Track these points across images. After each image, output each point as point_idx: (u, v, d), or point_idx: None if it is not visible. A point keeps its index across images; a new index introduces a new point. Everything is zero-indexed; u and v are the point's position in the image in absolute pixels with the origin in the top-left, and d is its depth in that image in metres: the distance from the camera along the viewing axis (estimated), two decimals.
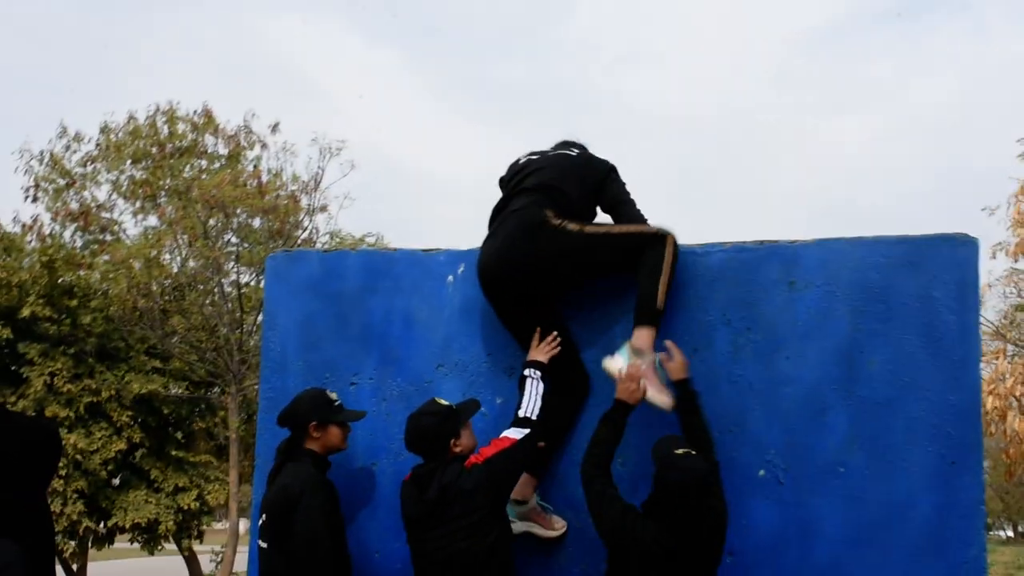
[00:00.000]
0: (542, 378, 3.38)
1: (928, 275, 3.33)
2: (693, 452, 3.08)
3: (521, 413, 3.33)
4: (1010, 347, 14.48)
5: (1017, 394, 12.26)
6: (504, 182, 3.74)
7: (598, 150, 3.77)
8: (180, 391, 16.88)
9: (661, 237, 3.40)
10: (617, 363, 3.36)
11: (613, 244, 3.47)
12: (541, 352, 3.44)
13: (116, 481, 16.03)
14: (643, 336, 3.34)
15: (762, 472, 3.39)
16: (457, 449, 3.26)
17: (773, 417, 3.40)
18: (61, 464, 13.52)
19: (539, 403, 3.34)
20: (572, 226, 3.45)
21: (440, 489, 3.16)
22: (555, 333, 3.48)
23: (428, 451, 3.27)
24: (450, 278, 3.72)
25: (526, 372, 3.39)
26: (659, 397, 3.34)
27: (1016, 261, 12.65)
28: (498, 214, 3.60)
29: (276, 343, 3.82)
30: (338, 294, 3.81)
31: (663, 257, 3.37)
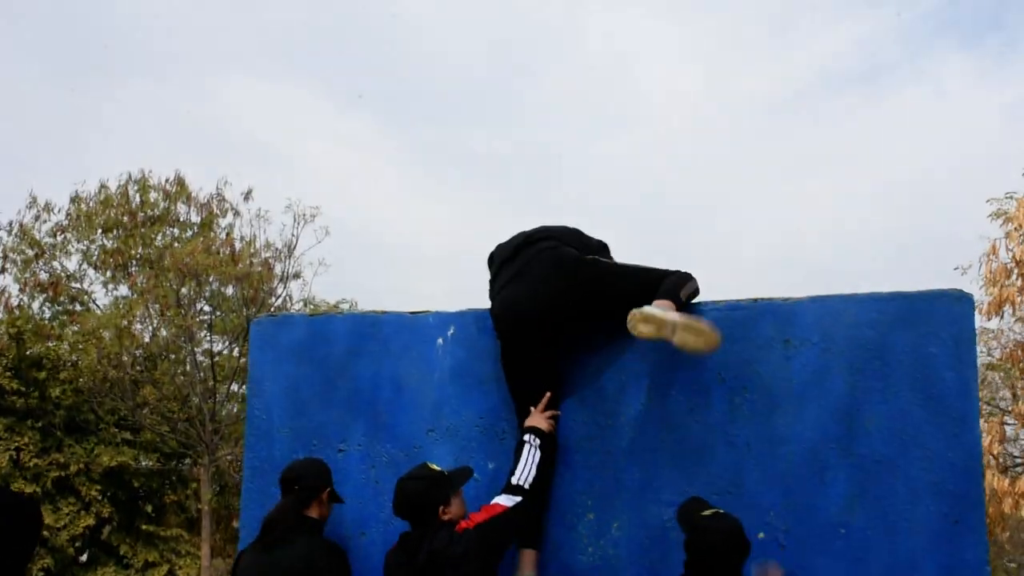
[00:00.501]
0: (540, 446, 3.31)
1: (924, 331, 3.30)
2: (720, 511, 3.04)
3: (514, 480, 3.26)
4: (985, 406, 14.53)
5: (994, 452, 12.28)
6: (504, 248, 3.67)
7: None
8: (151, 463, 16.64)
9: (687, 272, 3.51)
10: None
11: (642, 274, 3.51)
12: (542, 420, 3.37)
13: (84, 558, 15.69)
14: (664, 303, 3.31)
15: (762, 535, 3.31)
16: (446, 517, 3.17)
17: (772, 478, 3.34)
18: None
19: (534, 472, 3.27)
20: (602, 259, 3.55)
21: (429, 555, 3.07)
22: (556, 412, 3.47)
23: (415, 517, 3.18)
24: (440, 340, 3.67)
25: (525, 437, 3.32)
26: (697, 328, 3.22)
27: (988, 319, 12.75)
28: (507, 264, 3.56)
29: (261, 410, 3.74)
30: (325, 359, 3.74)
31: (690, 276, 3.48)
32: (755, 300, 3.48)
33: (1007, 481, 11.89)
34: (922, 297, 3.34)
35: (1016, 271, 11.93)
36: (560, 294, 3.42)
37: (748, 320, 3.45)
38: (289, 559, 3.23)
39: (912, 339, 3.32)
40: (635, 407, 3.48)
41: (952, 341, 3.29)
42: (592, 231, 3.77)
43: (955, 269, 12.81)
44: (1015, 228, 11.75)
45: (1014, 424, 13.17)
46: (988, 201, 12.39)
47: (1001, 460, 12.66)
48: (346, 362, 3.72)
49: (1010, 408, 13.35)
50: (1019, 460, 13.59)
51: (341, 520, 3.56)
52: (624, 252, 3.73)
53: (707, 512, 3.01)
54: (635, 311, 3.24)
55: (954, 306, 3.31)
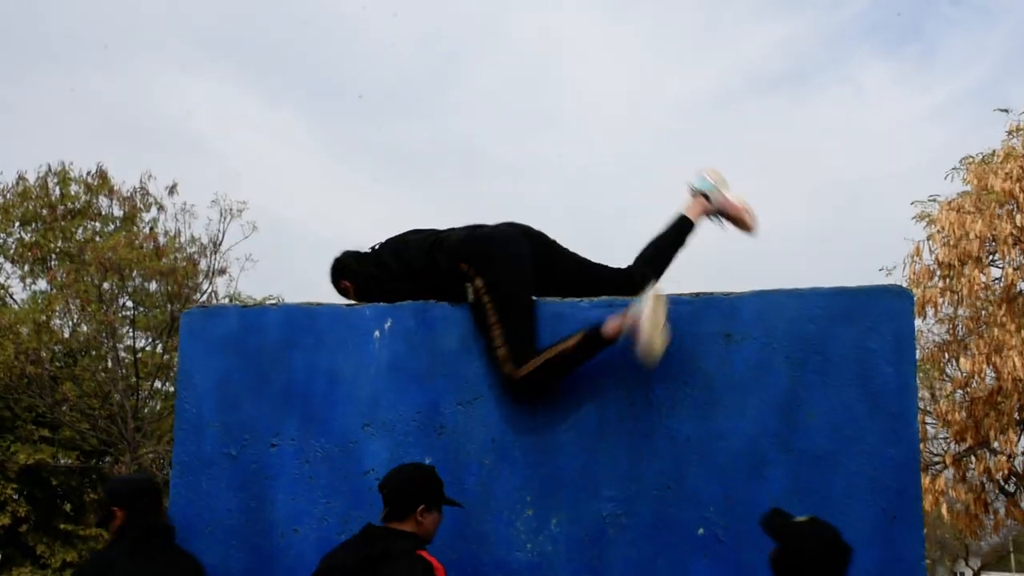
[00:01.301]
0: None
1: (864, 327, 3.31)
2: (815, 517, 2.85)
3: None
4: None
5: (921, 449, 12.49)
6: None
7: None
8: (70, 461, 16.14)
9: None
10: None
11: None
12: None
13: None
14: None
15: (701, 530, 3.29)
16: (419, 519, 3.06)
17: (712, 472, 3.32)
18: None
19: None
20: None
21: (384, 552, 2.96)
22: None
23: (395, 500, 3.05)
24: (376, 333, 3.58)
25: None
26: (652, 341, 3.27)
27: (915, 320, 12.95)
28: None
29: (191, 403, 3.61)
30: (257, 351, 3.62)
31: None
32: (697, 295, 3.46)
33: (927, 479, 12.12)
34: (863, 292, 3.35)
35: (939, 273, 12.17)
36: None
37: (690, 314, 3.43)
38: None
39: (852, 334, 3.32)
40: (575, 401, 3.43)
41: (892, 337, 3.30)
42: (523, 217, 3.88)
43: (880, 270, 13.01)
44: (938, 231, 11.98)
45: (934, 423, 13.42)
46: (912, 203, 12.63)
47: (921, 458, 12.90)
48: (279, 354, 3.61)
49: (930, 408, 13.61)
50: (937, 458, 13.85)
51: (273, 516, 3.46)
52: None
53: (801, 518, 2.83)
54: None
55: (894, 302, 3.33)
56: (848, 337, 3.32)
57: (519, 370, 3.39)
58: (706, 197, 3.96)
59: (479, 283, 3.53)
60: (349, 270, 3.86)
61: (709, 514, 3.30)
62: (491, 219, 3.80)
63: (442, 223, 3.87)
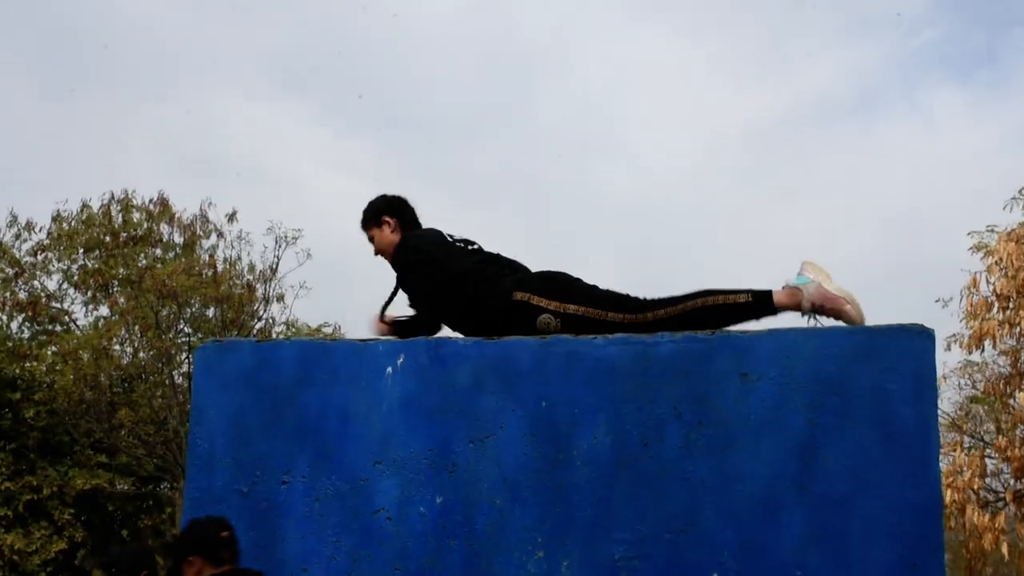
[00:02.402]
0: None
1: (884, 367, 3.22)
2: None
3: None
4: (967, 439, 14.46)
5: (975, 487, 12.19)
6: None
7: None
8: (126, 487, 16.41)
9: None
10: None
11: None
12: None
13: None
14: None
15: (715, 575, 3.21)
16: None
17: (727, 516, 3.24)
18: None
19: None
20: None
21: None
22: None
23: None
24: (389, 370, 3.56)
25: None
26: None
27: (970, 353, 12.68)
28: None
29: (204, 439, 3.62)
30: (271, 386, 3.63)
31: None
32: (712, 332, 3.39)
33: (987, 517, 11.78)
34: (882, 332, 3.26)
35: (996, 305, 11.87)
36: None
37: (705, 353, 3.36)
38: None
39: (871, 375, 3.23)
40: (587, 441, 3.38)
41: (912, 377, 3.20)
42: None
43: (936, 302, 12.75)
44: (996, 262, 11.70)
45: (995, 458, 13.08)
46: (969, 234, 12.36)
47: (982, 495, 12.56)
48: (293, 390, 3.61)
49: (993, 441, 13.26)
50: (1000, 495, 13.47)
51: (282, 555, 3.44)
52: (607, 282, 3.83)
53: None
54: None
55: (915, 341, 3.23)
56: (867, 377, 3.22)
57: (644, 315, 3.59)
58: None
59: (553, 304, 3.71)
60: (399, 212, 4.15)
61: (724, 559, 3.22)
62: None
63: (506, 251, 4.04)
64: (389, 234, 4.09)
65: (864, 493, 3.16)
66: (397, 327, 4.09)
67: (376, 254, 4.14)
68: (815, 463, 3.21)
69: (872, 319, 3.49)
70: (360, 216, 4.20)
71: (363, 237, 4.21)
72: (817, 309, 3.53)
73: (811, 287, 3.56)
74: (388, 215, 4.12)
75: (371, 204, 4.19)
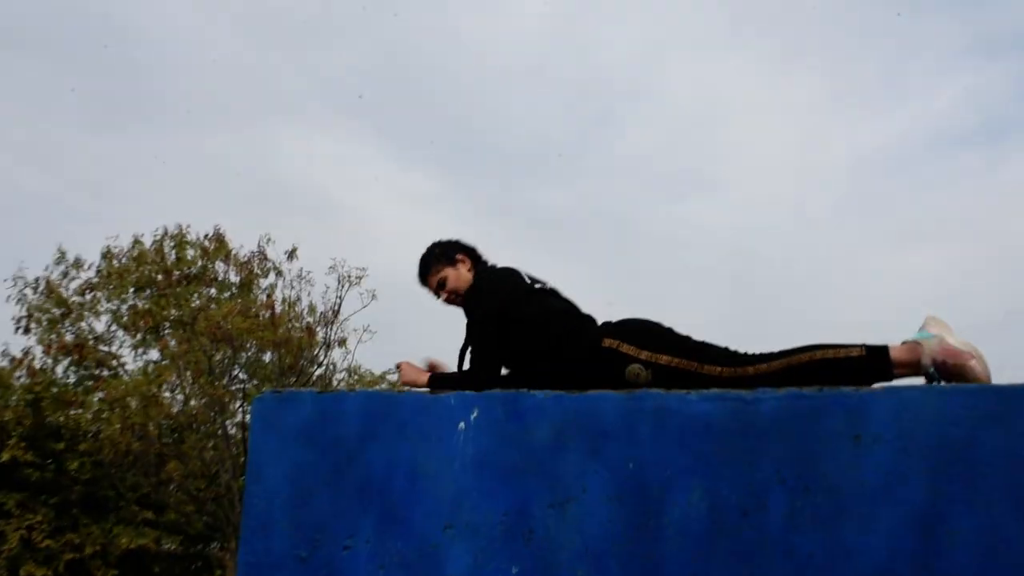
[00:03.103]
0: None
1: (1018, 431, 3.14)
2: None
3: None
4: None
5: None
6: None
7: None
8: (174, 546, 16.70)
9: None
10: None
11: None
12: None
13: None
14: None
15: None
16: None
17: None
18: None
19: None
20: None
21: None
22: None
23: None
24: (461, 425, 3.58)
25: None
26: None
27: None
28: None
29: (261, 499, 3.67)
30: (334, 442, 3.67)
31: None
32: (821, 389, 3.35)
33: None
34: (1016, 392, 3.18)
35: None
36: None
37: (813, 412, 3.32)
38: None
39: (1004, 439, 3.15)
40: (681, 507, 3.35)
41: None
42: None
43: None
44: None
45: None
46: None
47: None
48: (357, 446, 3.65)
49: None
50: None
51: None
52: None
53: None
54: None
55: None
56: (998, 443, 3.15)
57: (745, 368, 3.64)
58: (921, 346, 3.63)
59: (644, 354, 3.77)
60: (470, 251, 4.30)
61: None
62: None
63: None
64: (465, 272, 4.15)
65: (997, 572, 3.08)
66: (434, 381, 4.11)
67: (448, 299, 4.18)
68: (939, 537, 3.14)
69: (1003, 375, 3.43)
70: (422, 262, 4.25)
71: (424, 287, 4.28)
72: (939, 366, 3.48)
73: (932, 342, 3.51)
74: (461, 253, 4.18)
75: (438, 244, 4.25)
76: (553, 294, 4.10)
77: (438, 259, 4.20)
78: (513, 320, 3.94)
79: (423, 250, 4.25)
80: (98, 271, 18.96)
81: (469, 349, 4.05)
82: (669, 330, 3.85)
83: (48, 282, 18.79)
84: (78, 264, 19.00)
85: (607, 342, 3.79)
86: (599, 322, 4.01)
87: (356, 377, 18.89)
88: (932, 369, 3.51)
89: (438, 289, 4.17)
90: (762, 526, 3.30)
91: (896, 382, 3.51)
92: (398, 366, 4.21)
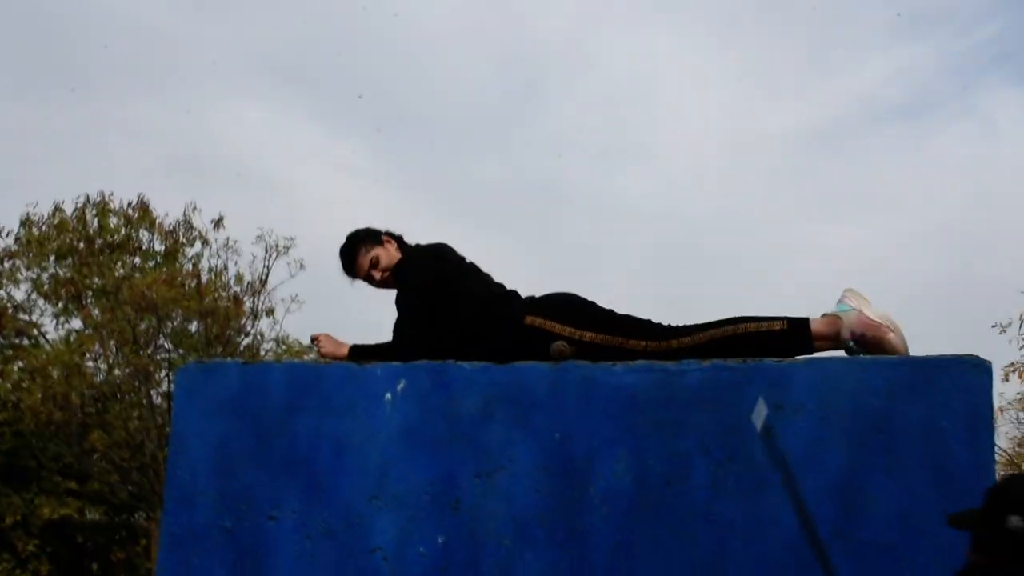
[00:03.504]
0: None
1: (936, 402, 3.20)
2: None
3: None
4: None
5: None
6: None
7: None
8: (98, 516, 16.44)
9: None
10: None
11: None
12: None
13: None
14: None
15: None
16: None
17: (759, 563, 3.23)
18: None
19: None
20: None
21: None
22: None
23: None
24: (388, 396, 3.56)
25: None
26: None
27: None
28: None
29: (184, 469, 3.62)
30: (259, 413, 3.63)
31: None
32: (744, 361, 3.39)
33: None
34: (933, 363, 3.25)
35: None
36: None
37: (736, 383, 3.35)
38: None
39: (921, 411, 3.21)
40: (606, 477, 3.37)
41: (967, 414, 3.19)
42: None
43: (992, 327, 12.72)
44: None
45: None
46: None
47: None
48: (283, 418, 3.61)
49: None
50: None
51: None
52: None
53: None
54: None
55: (970, 374, 3.22)
56: (916, 414, 3.21)
57: (669, 342, 3.64)
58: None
59: (568, 330, 3.74)
60: (395, 235, 4.28)
61: None
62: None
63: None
64: (394, 252, 4.13)
65: (913, 540, 3.15)
66: (356, 352, 4.05)
67: (382, 279, 4.15)
68: (858, 506, 3.20)
69: (921, 345, 3.49)
70: (347, 247, 4.23)
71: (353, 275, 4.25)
72: (858, 338, 3.53)
73: (851, 315, 3.56)
74: (386, 235, 4.17)
75: (363, 230, 4.23)
76: (475, 271, 4.09)
77: (364, 241, 4.16)
78: (439, 296, 3.92)
79: (343, 242, 4.23)
80: (17, 239, 18.52)
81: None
82: (592, 304, 3.86)
83: None
84: None
85: (530, 319, 3.79)
86: (522, 297, 4.01)
87: (284, 347, 18.72)
88: (851, 342, 3.56)
89: (371, 269, 4.13)
90: (686, 495, 3.33)
91: (817, 355, 3.55)
92: (314, 339, 4.13)
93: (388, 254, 4.14)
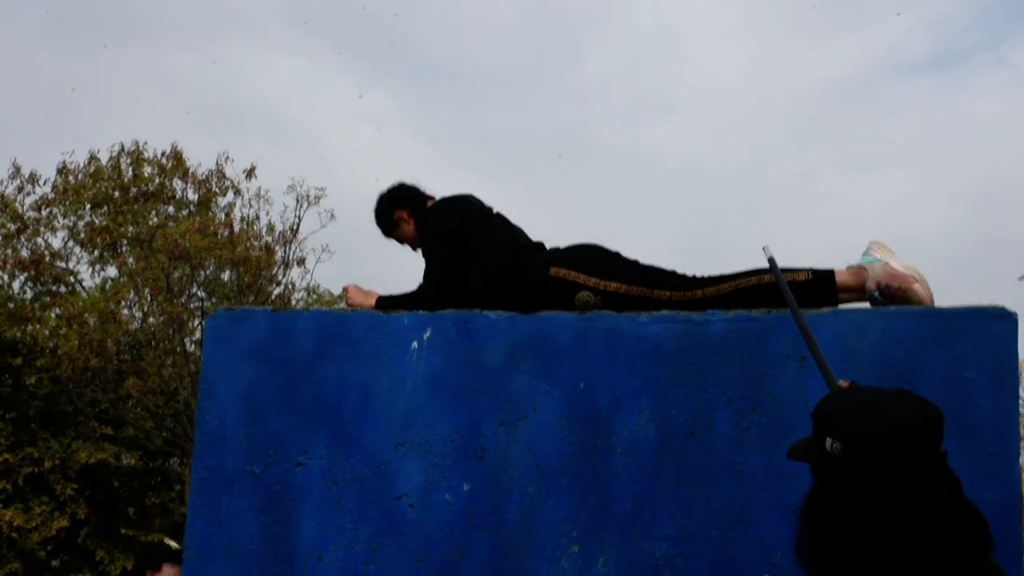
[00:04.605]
0: None
1: (959, 353, 3.18)
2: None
3: None
4: None
5: None
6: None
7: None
8: (133, 461, 16.69)
9: None
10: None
11: None
12: None
13: (56, 563, 15.72)
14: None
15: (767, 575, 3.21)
16: None
17: (780, 513, 3.22)
18: None
19: None
20: None
21: None
22: None
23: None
24: (414, 344, 3.58)
25: None
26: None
27: None
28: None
29: (214, 415, 3.66)
30: (287, 360, 3.66)
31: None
32: (768, 311, 3.37)
33: None
34: (957, 314, 3.22)
35: None
36: None
37: (760, 333, 3.34)
38: None
39: (945, 361, 3.20)
40: (629, 427, 3.38)
41: (991, 365, 3.17)
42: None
43: (1020, 279, 12.62)
44: None
45: None
46: None
47: None
48: (310, 365, 3.64)
49: None
50: None
51: (296, 542, 3.48)
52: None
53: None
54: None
55: (994, 325, 3.19)
56: (939, 364, 3.19)
57: (693, 292, 3.66)
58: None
59: (592, 280, 3.77)
60: (406, 200, 4.29)
61: (776, 559, 3.21)
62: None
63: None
64: (409, 227, 4.18)
65: None
66: (383, 301, 4.12)
67: (415, 250, 4.23)
68: None
69: (949, 299, 3.46)
70: (377, 220, 4.37)
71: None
72: (883, 289, 3.51)
73: (877, 266, 3.54)
74: (398, 210, 4.20)
75: (377, 212, 4.32)
76: (501, 221, 4.09)
77: (383, 228, 4.34)
78: (462, 244, 3.94)
79: (375, 204, 4.39)
80: (54, 187, 18.63)
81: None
82: (616, 255, 3.86)
83: (3, 197, 18.48)
84: (33, 179, 18.66)
85: (554, 270, 3.79)
86: (547, 248, 4.01)
87: (315, 297, 18.83)
88: (876, 293, 3.54)
89: (400, 242, 4.33)
90: (708, 445, 3.33)
91: (841, 306, 3.54)
92: (345, 289, 4.23)
93: (408, 231, 4.28)
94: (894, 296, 3.49)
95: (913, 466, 2.28)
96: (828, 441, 2.37)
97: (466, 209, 4.03)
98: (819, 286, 3.57)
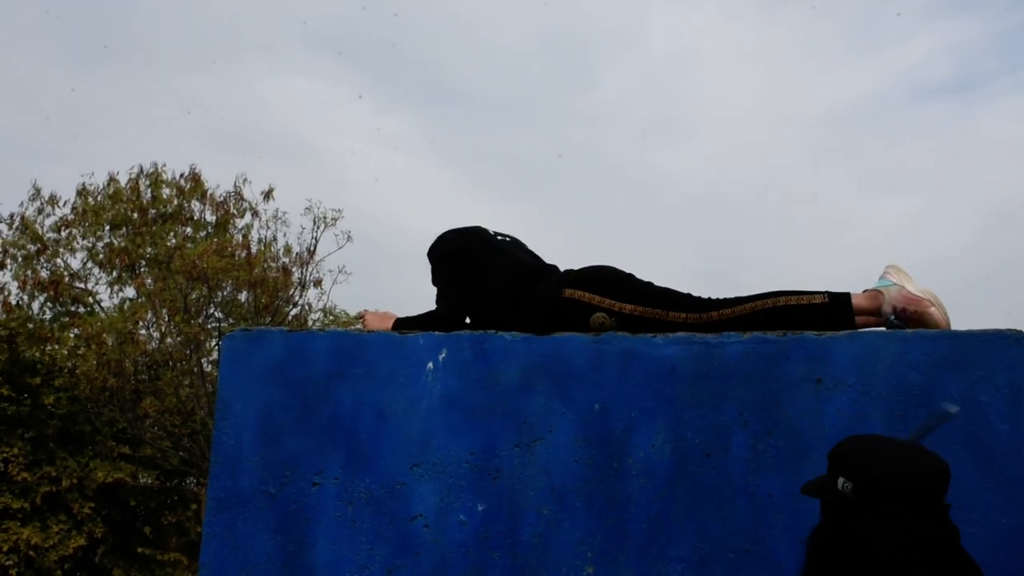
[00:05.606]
0: None
1: (976, 377, 3.16)
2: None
3: None
4: None
5: None
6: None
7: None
8: (150, 481, 16.68)
9: None
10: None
11: None
12: None
13: None
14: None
15: None
16: None
17: (796, 536, 3.19)
18: (10, 563, 13.24)
19: None
20: None
21: None
22: None
23: None
24: (430, 365, 3.57)
25: None
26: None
27: None
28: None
29: (230, 435, 3.65)
30: (302, 381, 3.65)
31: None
32: (784, 334, 3.35)
33: None
34: (975, 338, 3.20)
35: None
36: None
37: (776, 356, 3.32)
38: None
39: (962, 385, 3.17)
40: (644, 449, 3.36)
41: (1008, 389, 3.14)
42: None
43: None
44: None
45: None
46: None
47: None
48: (325, 385, 3.63)
49: None
50: None
51: (311, 562, 3.47)
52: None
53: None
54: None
55: (1011, 349, 3.17)
56: (957, 388, 3.17)
57: (709, 315, 3.62)
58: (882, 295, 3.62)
59: (607, 302, 3.74)
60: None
61: None
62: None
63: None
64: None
65: (952, 517, 3.10)
66: (400, 323, 4.06)
67: None
68: None
69: (966, 324, 3.44)
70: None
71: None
72: (899, 313, 3.49)
73: (893, 290, 3.52)
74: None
75: (436, 251, 4.19)
76: (516, 245, 4.09)
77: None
78: (469, 268, 3.94)
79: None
80: (73, 208, 18.73)
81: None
82: (631, 276, 3.85)
83: (23, 218, 18.59)
84: (53, 201, 18.78)
85: (569, 292, 3.78)
86: (562, 271, 4.00)
87: (331, 318, 18.87)
88: (893, 316, 3.52)
89: None
90: (724, 468, 3.31)
91: (858, 329, 3.52)
92: (360, 316, 4.19)
93: None
94: (910, 320, 3.47)
95: (918, 511, 2.36)
96: (840, 480, 2.45)
97: (470, 235, 4.04)
98: (835, 309, 3.55)
